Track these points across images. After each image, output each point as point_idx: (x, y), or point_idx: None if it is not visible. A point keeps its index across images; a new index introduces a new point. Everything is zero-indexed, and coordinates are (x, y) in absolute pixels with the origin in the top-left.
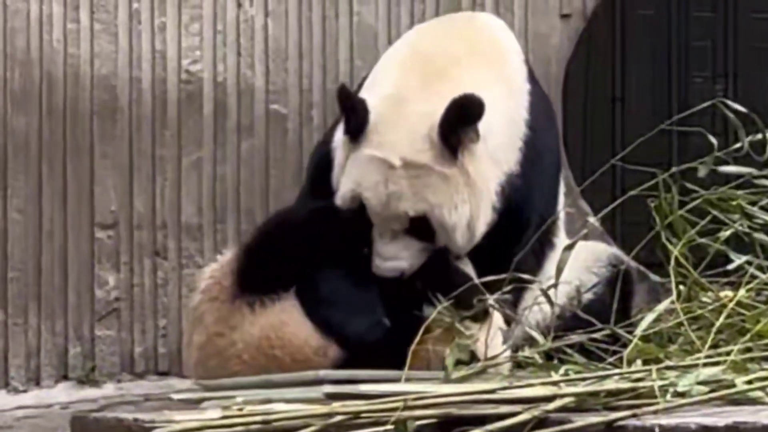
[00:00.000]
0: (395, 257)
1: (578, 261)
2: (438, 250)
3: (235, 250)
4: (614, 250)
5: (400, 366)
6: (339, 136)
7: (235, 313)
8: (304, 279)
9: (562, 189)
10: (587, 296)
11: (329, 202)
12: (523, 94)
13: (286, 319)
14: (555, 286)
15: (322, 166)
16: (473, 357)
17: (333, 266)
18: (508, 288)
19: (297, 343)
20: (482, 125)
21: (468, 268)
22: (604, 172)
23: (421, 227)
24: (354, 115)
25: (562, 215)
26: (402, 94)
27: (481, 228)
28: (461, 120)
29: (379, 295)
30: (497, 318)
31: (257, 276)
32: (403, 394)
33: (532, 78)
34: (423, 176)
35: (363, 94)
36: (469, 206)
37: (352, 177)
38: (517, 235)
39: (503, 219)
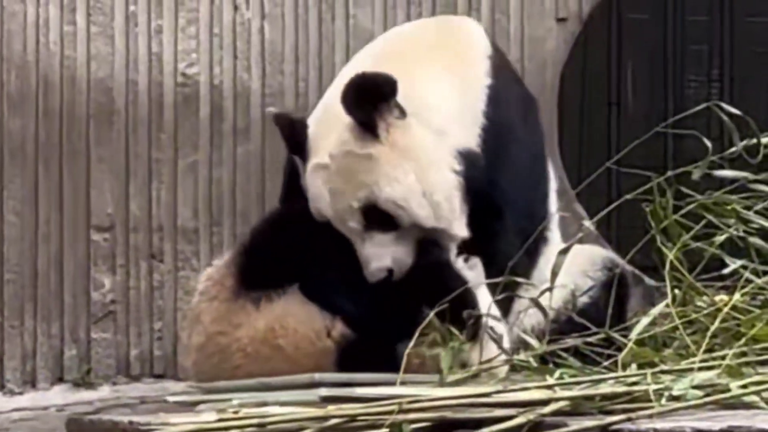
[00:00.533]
0: (375, 257)
1: (574, 265)
2: (432, 250)
3: (232, 252)
4: (609, 254)
5: (397, 353)
6: None
7: (239, 312)
8: (307, 269)
9: (552, 187)
10: (583, 300)
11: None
12: (482, 88)
13: (290, 309)
14: (550, 290)
15: (292, 175)
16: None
17: (333, 256)
18: (502, 294)
19: (301, 331)
20: (419, 103)
21: (476, 271)
22: (599, 175)
23: (377, 217)
24: (294, 136)
25: (554, 210)
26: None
27: (444, 192)
28: (373, 98)
29: (377, 295)
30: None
31: (260, 272)
32: (398, 397)
33: (497, 75)
34: (351, 163)
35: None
36: (414, 175)
37: (309, 193)
38: (491, 222)
39: (474, 203)
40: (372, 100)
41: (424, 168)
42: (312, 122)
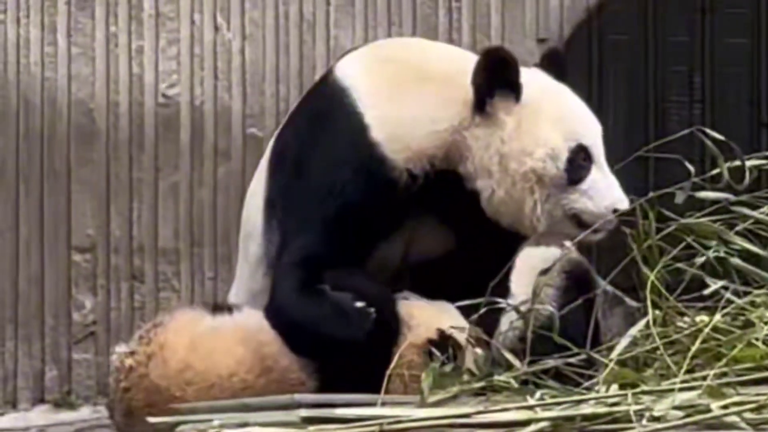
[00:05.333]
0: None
1: (525, 274)
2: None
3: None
4: (560, 252)
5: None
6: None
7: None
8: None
9: None
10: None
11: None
12: None
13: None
14: (530, 310)
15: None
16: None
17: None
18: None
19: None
20: None
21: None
22: None
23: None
24: (505, 73)
25: None
26: None
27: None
28: None
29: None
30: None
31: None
32: (378, 418)
33: None
34: None
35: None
36: None
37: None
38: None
39: None
40: None
41: None
42: None
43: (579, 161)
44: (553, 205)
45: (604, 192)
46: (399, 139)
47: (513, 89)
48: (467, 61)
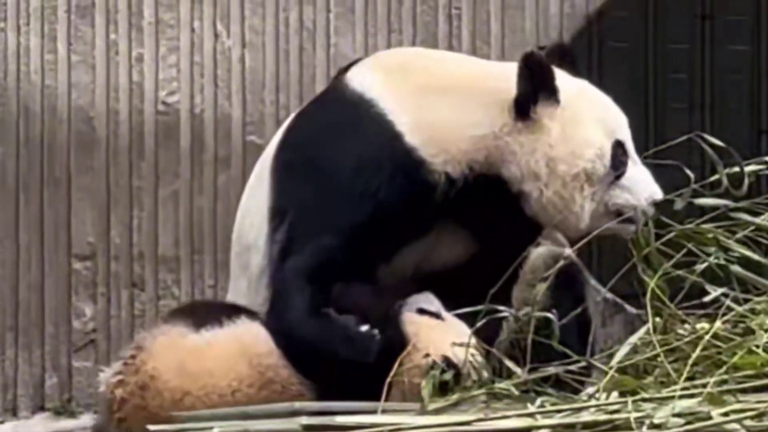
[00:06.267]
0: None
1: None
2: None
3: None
4: (549, 248)
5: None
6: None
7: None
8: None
9: None
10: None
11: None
12: None
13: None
14: (530, 317)
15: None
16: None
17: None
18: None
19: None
20: None
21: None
22: None
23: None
24: (544, 77)
25: None
26: None
27: None
28: None
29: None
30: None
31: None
32: (379, 425)
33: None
34: None
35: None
36: None
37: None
38: None
39: None
40: None
41: None
42: None
43: (619, 157)
44: (597, 202)
45: (642, 185)
46: (436, 143)
47: (552, 93)
48: (482, 66)
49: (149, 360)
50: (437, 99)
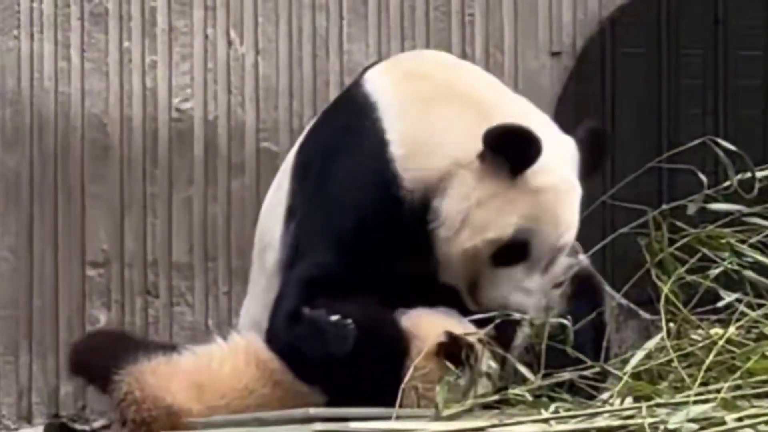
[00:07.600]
0: (538, 292)
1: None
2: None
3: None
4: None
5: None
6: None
7: None
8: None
9: None
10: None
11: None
12: None
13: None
14: (545, 323)
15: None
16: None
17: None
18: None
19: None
20: None
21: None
22: (594, 208)
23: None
24: (529, 150)
25: None
26: None
27: None
28: None
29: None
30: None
31: None
32: (393, 431)
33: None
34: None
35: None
36: None
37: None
38: None
39: None
40: None
41: None
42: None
43: (510, 254)
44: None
45: (506, 288)
46: (415, 159)
47: (519, 163)
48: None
49: (143, 409)
50: (438, 110)
